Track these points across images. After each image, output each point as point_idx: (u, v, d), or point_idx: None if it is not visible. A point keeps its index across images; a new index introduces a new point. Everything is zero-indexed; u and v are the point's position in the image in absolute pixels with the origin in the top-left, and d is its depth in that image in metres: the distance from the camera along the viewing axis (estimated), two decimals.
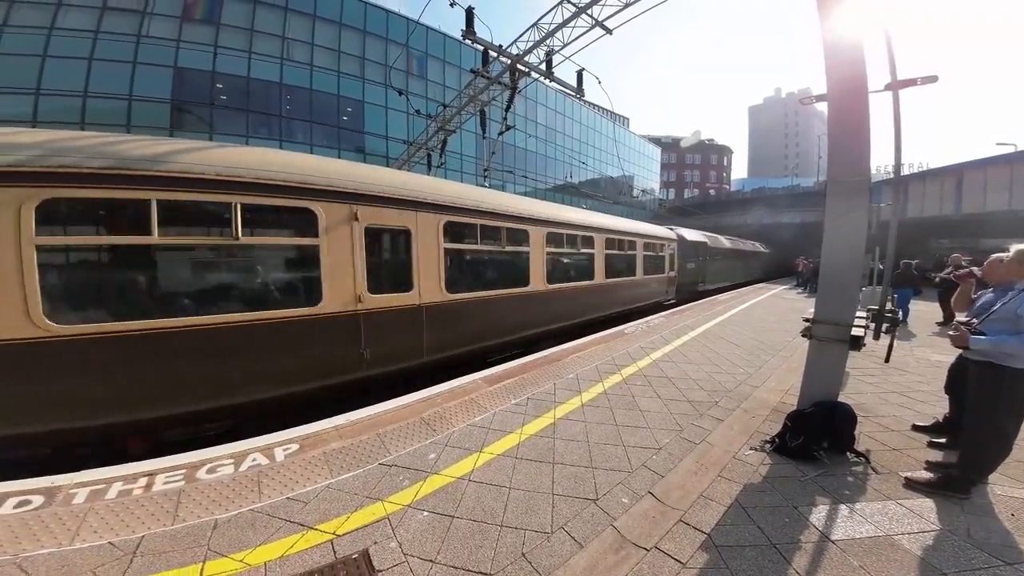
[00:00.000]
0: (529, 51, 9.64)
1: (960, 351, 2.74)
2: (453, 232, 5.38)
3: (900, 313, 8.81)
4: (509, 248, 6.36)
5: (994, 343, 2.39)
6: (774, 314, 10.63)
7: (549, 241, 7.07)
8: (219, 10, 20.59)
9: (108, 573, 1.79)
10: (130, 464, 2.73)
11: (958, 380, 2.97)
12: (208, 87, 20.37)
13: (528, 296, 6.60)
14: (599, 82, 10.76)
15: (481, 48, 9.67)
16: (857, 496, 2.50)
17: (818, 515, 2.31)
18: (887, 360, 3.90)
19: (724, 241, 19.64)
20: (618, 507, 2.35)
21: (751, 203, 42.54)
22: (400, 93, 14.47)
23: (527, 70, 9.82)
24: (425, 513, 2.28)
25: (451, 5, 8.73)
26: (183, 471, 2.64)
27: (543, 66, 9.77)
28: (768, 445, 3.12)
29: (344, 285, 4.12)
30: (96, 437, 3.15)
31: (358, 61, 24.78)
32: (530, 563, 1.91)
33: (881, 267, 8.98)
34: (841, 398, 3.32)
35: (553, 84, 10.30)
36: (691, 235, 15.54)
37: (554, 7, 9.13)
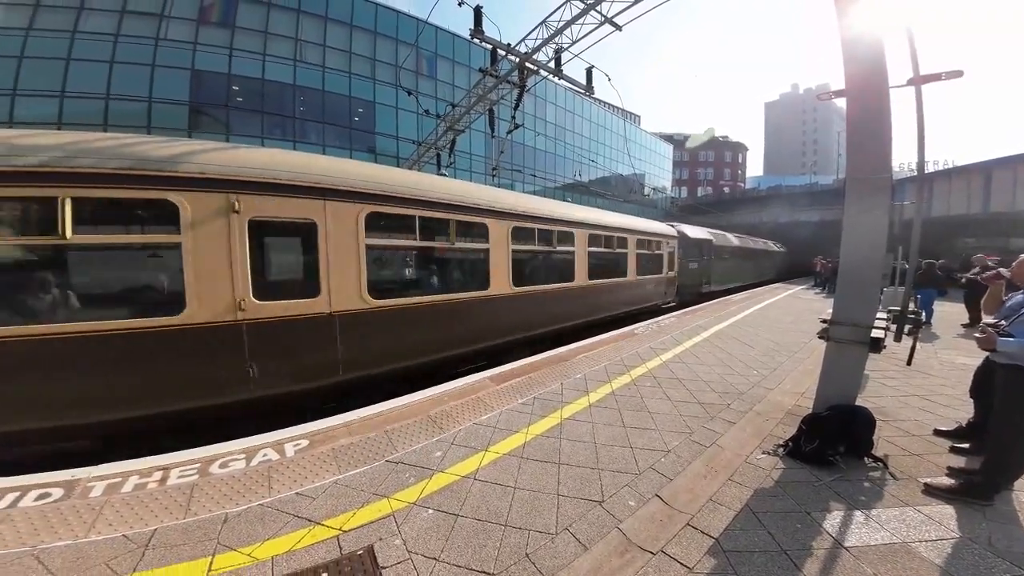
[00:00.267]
0: (538, 49, 9.59)
1: (987, 354, 2.65)
2: (381, 225, 4.56)
3: (923, 314, 8.60)
4: (461, 245, 5.48)
5: (1023, 345, 2.29)
6: (790, 315, 10.38)
7: (516, 237, 6.19)
8: (234, 12, 20.99)
9: (120, 566, 1.84)
10: (147, 458, 2.80)
11: (984, 384, 2.87)
12: (224, 89, 20.82)
13: (488, 301, 5.73)
14: (609, 79, 10.65)
15: (489, 47, 9.66)
16: (873, 502, 2.42)
17: (832, 521, 2.24)
18: (909, 363, 3.78)
19: (732, 239, 18.53)
20: (624, 509, 2.32)
21: (767, 201, 41.60)
22: (409, 93, 14.56)
23: (536, 68, 9.77)
24: (430, 511, 2.28)
25: (459, 4, 8.73)
26: (197, 465, 2.70)
27: (552, 64, 9.71)
28: (781, 449, 3.04)
29: (217, 290, 3.45)
30: None
31: (369, 62, 25.00)
32: (533, 564, 1.90)
33: (906, 266, 8.69)
34: (860, 401, 3.23)
35: (562, 82, 10.23)
36: (694, 232, 14.56)
37: (562, 4, 9.07)
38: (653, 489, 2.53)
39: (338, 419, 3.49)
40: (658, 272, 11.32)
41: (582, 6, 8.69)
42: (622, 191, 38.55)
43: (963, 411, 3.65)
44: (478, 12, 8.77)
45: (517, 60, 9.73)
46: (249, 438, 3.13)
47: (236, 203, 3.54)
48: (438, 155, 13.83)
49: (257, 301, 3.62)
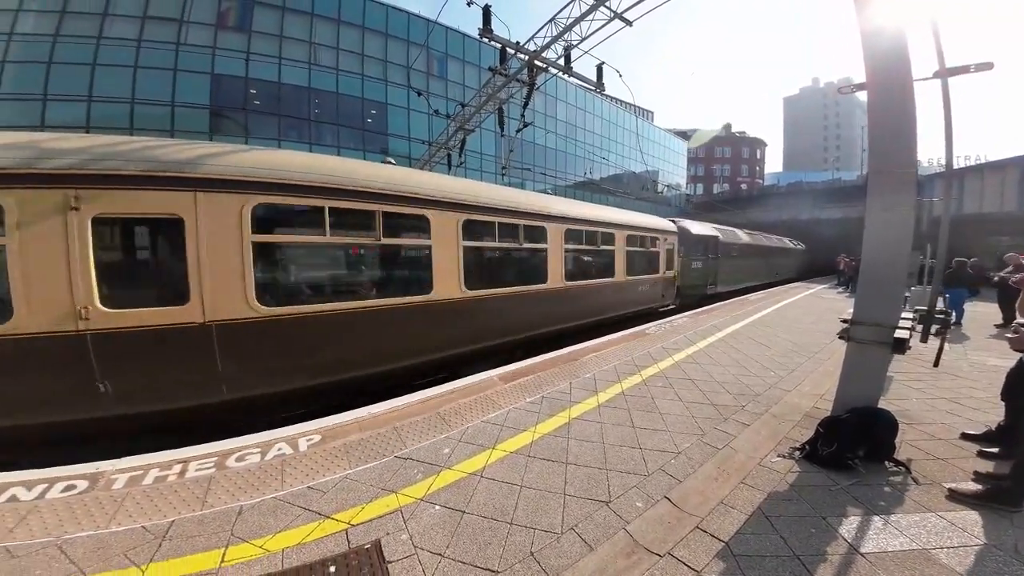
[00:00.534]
0: (547, 47, 9.54)
1: (1020, 355, 2.52)
2: (275, 220, 3.96)
3: (953, 315, 8.23)
4: (393, 241, 4.72)
5: None
6: (811, 314, 10.09)
7: (470, 232, 5.42)
8: (250, 17, 21.53)
9: (138, 556, 1.91)
10: (168, 451, 2.90)
11: (1017, 386, 2.75)
12: (242, 93, 21.38)
13: (430, 308, 4.95)
14: (620, 76, 10.51)
15: (499, 46, 9.65)
16: (893, 507, 2.34)
17: (848, 526, 2.17)
18: (936, 364, 3.65)
19: (742, 235, 17.33)
20: (632, 511, 2.29)
21: (787, 198, 40.49)
22: (420, 94, 14.67)
23: (545, 66, 9.72)
24: (437, 507, 2.30)
25: (468, 4, 8.76)
26: (215, 459, 2.78)
27: (561, 61, 9.64)
28: (797, 452, 2.97)
29: (52, 296, 3.07)
30: None
31: (381, 64, 25.31)
32: (538, 563, 1.89)
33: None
34: (882, 404, 3.13)
35: (572, 79, 10.16)
36: (697, 228, 13.46)
37: (571, 1, 8.99)
38: (662, 491, 2.49)
39: (350, 415, 3.55)
40: (653, 272, 10.24)
41: (591, 2, 8.61)
42: (635, 188, 38.02)
43: (993, 414, 3.49)
44: (487, 11, 8.78)
45: (526, 58, 9.70)
46: (265, 432, 3.21)
47: (76, 197, 3.12)
48: (448, 155, 13.92)
49: (105, 309, 3.18)
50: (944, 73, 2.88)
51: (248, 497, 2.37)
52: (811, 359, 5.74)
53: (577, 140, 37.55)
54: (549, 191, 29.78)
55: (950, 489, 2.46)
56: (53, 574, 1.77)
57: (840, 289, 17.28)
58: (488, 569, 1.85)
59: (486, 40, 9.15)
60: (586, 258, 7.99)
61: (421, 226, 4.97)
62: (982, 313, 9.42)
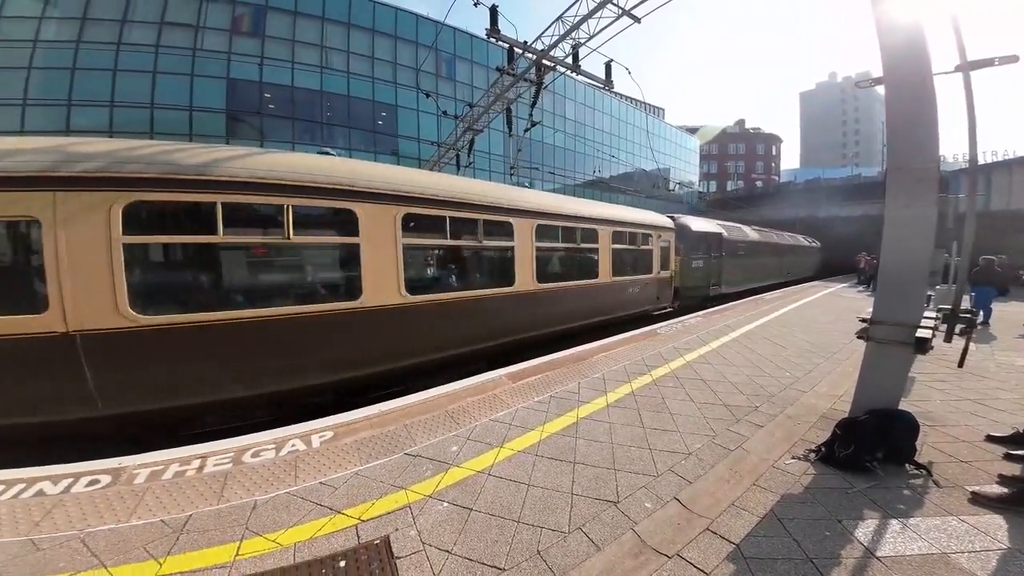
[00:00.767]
0: (554, 45, 9.51)
1: None
2: (155, 218, 3.54)
3: (980, 314, 7.93)
4: (305, 240, 4.15)
5: None
6: (829, 314, 9.84)
7: (411, 228, 4.79)
8: (263, 22, 21.97)
9: (156, 549, 1.96)
10: (188, 447, 2.99)
11: None
12: (257, 97, 21.85)
13: (358, 316, 4.35)
14: (629, 73, 10.42)
15: (506, 46, 9.66)
16: (912, 511, 2.28)
17: (864, 529, 2.12)
18: (960, 364, 3.51)
19: (749, 232, 16.09)
20: (640, 511, 2.27)
21: (804, 195, 39.52)
22: (428, 96, 14.77)
23: (553, 65, 9.69)
24: (445, 504, 2.32)
25: (475, 5, 8.79)
26: (231, 454, 2.86)
27: (569, 60, 9.60)
28: (813, 454, 2.91)
29: None
30: None
31: (390, 66, 25.59)
32: (545, 561, 1.89)
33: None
34: (903, 405, 3.04)
35: (580, 77, 10.10)
36: (699, 224, 12.42)
37: None
38: (672, 492, 2.46)
39: (361, 412, 3.60)
40: (646, 272, 9.34)
41: (598, 0, 8.55)
42: (646, 187, 37.63)
43: (1021, 416, 3.37)
44: (494, 12, 8.80)
45: (534, 57, 9.69)
46: (280, 429, 3.28)
47: None
48: (457, 155, 13.99)
49: None
50: (966, 67, 2.78)
51: (263, 492, 2.43)
52: (829, 359, 5.60)
53: (586, 139, 37.32)
54: (558, 190, 29.64)
55: (973, 492, 2.39)
56: (76, 566, 1.83)
57: (860, 288, 16.81)
58: (495, 566, 1.86)
59: (493, 40, 9.17)
60: (563, 257, 7.26)
61: (345, 222, 4.33)
62: (1011, 312, 9.06)
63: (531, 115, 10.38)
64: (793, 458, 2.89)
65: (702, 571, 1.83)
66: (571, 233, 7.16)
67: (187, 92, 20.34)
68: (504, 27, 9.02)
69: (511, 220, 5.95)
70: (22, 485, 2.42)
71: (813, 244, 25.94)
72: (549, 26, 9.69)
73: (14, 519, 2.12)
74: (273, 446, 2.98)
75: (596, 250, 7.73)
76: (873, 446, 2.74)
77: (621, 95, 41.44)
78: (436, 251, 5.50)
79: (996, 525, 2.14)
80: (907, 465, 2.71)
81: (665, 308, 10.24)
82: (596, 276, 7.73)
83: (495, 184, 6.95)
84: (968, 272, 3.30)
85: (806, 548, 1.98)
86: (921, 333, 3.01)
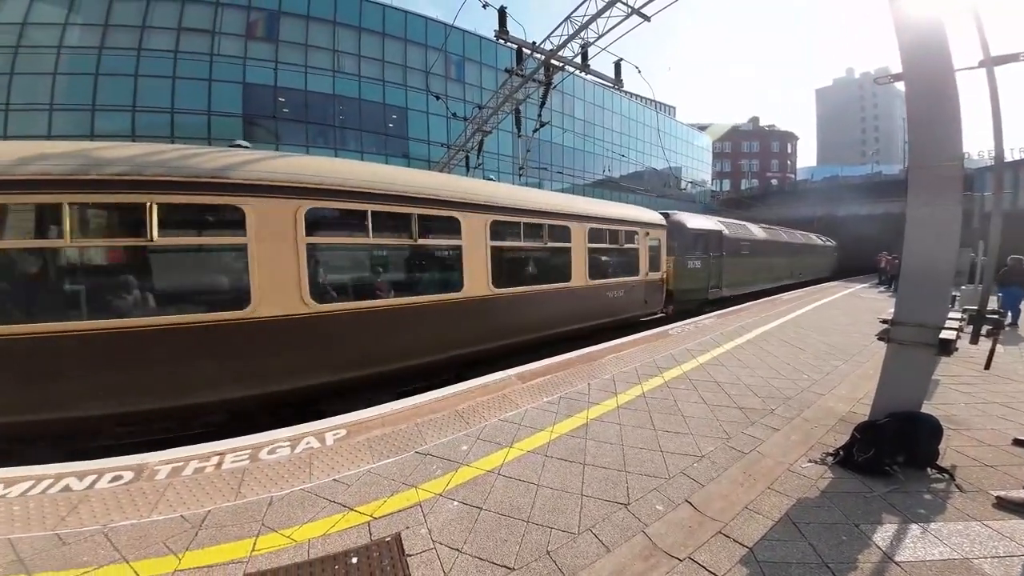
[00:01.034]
0: (563, 45, 9.49)
1: None
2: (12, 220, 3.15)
3: (1008, 315, 7.63)
4: (172, 242, 3.63)
5: None
6: (849, 315, 9.59)
7: (321, 225, 4.23)
8: (277, 26, 22.44)
9: (176, 544, 2.02)
10: (207, 443, 3.06)
11: None
12: (272, 101, 22.31)
13: (244, 328, 3.69)
14: (639, 71, 10.34)
15: (515, 47, 9.68)
16: (933, 515, 2.22)
17: (883, 534, 2.07)
18: (987, 366, 3.39)
19: (755, 230, 15.04)
20: (651, 513, 2.26)
21: (821, 193, 38.58)
22: (438, 98, 14.88)
23: (561, 65, 9.67)
24: (455, 503, 2.34)
25: (484, 7, 8.84)
26: (249, 451, 2.92)
27: (578, 59, 9.57)
28: (831, 458, 2.85)
29: None
30: None
31: (401, 69, 25.89)
32: (554, 562, 1.89)
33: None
34: (926, 408, 2.97)
35: (590, 77, 10.06)
36: (696, 221, 11.37)
37: None
38: (683, 494, 2.44)
39: (374, 411, 3.65)
40: (631, 274, 8.38)
41: None
42: (656, 186, 37.25)
43: None
44: (502, 13, 8.83)
45: (543, 58, 9.69)
46: (295, 427, 3.35)
47: None
48: (467, 157, 14.07)
49: None
50: (989, 62, 2.70)
51: (278, 488, 2.48)
52: (848, 361, 5.47)
53: (595, 138, 37.15)
54: (567, 190, 29.53)
55: (998, 497, 2.32)
56: (98, 560, 1.89)
57: (881, 288, 16.33)
58: (504, 566, 1.87)
59: (502, 42, 9.20)
60: (527, 258, 6.53)
61: (230, 221, 3.76)
62: None
63: (540, 115, 10.38)
64: (810, 462, 2.83)
65: (714, 575, 1.81)
66: (536, 230, 6.34)
67: (205, 96, 20.89)
68: (512, 28, 9.06)
69: (458, 216, 5.20)
70: (50, 480, 2.51)
71: (828, 243, 24.93)
72: (558, 26, 9.68)
73: (42, 514, 2.20)
74: (289, 443, 3.04)
75: (568, 250, 6.85)
76: (894, 450, 2.67)
77: (631, 94, 41.11)
78: (354, 251, 4.77)
79: (1022, 530, 2.07)
80: (929, 469, 2.64)
81: (656, 314, 9.31)
82: (568, 279, 6.84)
83: (439, 175, 6.00)
84: (995, 272, 3.19)
85: (822, 553, 1.94)
86: (945, 335, 2.92)
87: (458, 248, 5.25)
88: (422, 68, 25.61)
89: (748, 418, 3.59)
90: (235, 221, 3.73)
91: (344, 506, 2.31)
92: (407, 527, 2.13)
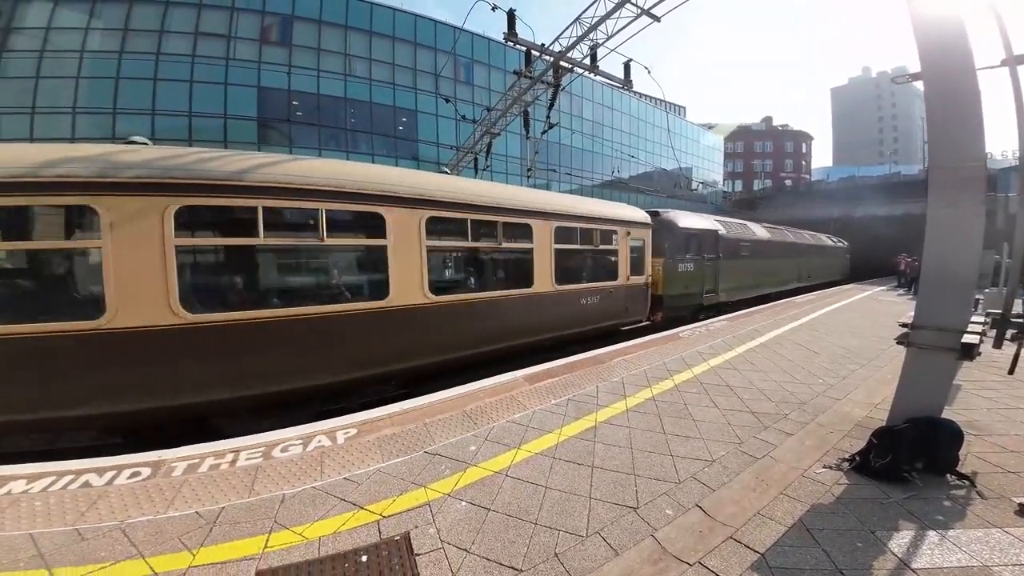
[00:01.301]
0: (572, 47, 9.49)
1: None
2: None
3: None
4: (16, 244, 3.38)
5: None
6: (866, 318, 9.38)
7: (199, 225, 3.88)
8: (290, 31, 22.84)
9: (191, 540, 2.05)
10: (223, 441, 3.13)
11: None
12: (286, 104, 22.71)
13: (102, 339, 3.29)
14: (648, 72, 10.28)
15: (524, 49, 9.71)
16: (952, 522, 2.16)
17: (899, 541, 2.02)
18: (1011, 371, 3.28)
19: (756, 230, 13.96)
20: (660, 518, 2.23)
21: (837, 193, 37.73)
22: (447, 101, 14.98)
23: (570, 66, 9.67)
24: (463, 503, 2.35)
25: (492, 9, 8.89)
26: (262, 449, 2.97)
27: (587, 61, 9.55)
28: (847, 463, 2.79)
29: None
30: None
31: (411, 72, 26.15)
32: (562, 564, 1.89)
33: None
34: (947, 414, 2.89)
35: (598, 78, 10.03)
36: (689, 220, 10.37)
37: (595, 0, 8.89)
38: (694, 499, 2.41)
39: (383, 410, 3.69)
40: (609, 278, 7.51)
41: (616, 0, 8.47)
42: (666, 187, 36.92)
43: None
44: (511, 16, 8.87)
45: (551, 60, 9.70)
46: (307, 425, 3.41)
47: None
48: (475, 159, 14.14)
49: None
50: (1012, 61, 2.63)
51: (290, 486, 2.52)
52: (865, 366, 5.34)
53: (604, 139, 36.99)
54: (576, 191, 29.43)
55: (1020, 504, 2.25)
56: (116, 556, 1.93)
57: (901, 291, 15.91)
58: (512, 567, 1.87)
59: (511, 44, 9.23)
60: (476, 260, 5.88)
61: (79, 221, 3.49)
62: None
63: (548, 117, 10.38)
64: (824, 467, 2.78)
65: None
66: (488, 228, 5.58)
67: (221, 100, 21.35)
68: (521, 30, 9.08)
69: (382, 210, 4.52)
70: (71, 476, 2.58)
71: (839, 244, 23.92)
72: (567, 28, 9.69)
73: (62, 509, 2.26)
74: (301, 442, 3.09)
75: (530, 251, 6.04)
76: (912, 456, 2.61)
77: (640, 94, 40.88)
78: (250, 253, 4.22)
79: None
80: (948, 476, 2.58)
81: (640, 322, 8.41)
82: (530, 285, 6.02)
83: (358, 164, 5.01)
84: (1020, 274, 3.10)
85: (836, 559, 1.90)
86: (968, 339, 2.84)
87: (382, 249, 4.55)
88: (432, 71, 25.84)
89: (761, 423, 3.53)
90: (88, 223, 3.45)
91: (354, 504, 2.34)
92: (416, 526, 2.15)
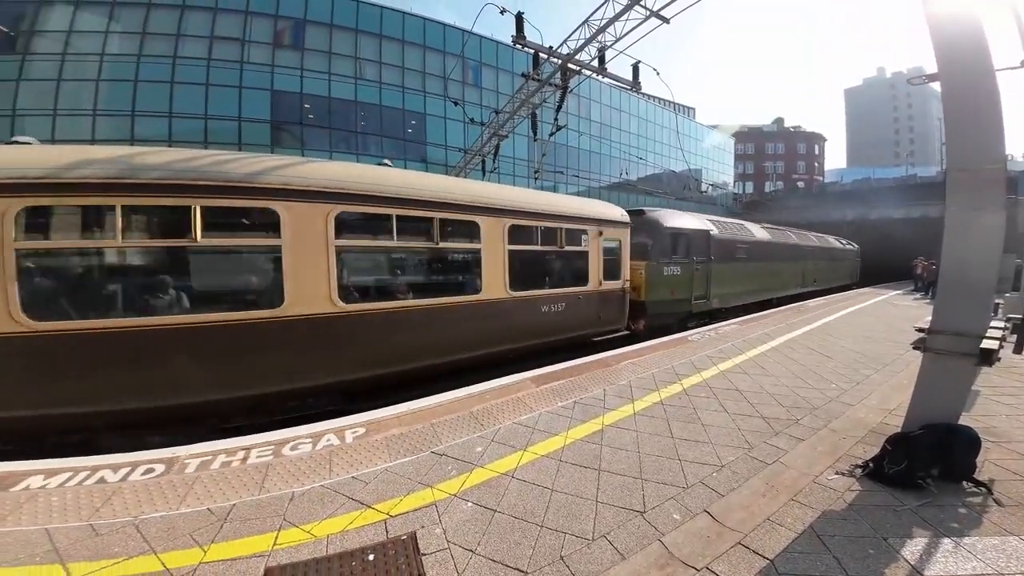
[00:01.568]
0: (580, 49, 9.47)
1: None
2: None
3: None
4: None
5: None
6: (881, 322, 9.19)
7: (33, 226, 3.33)
8: (303, 34, 23.21)
9: (202, 536, 2.08)
10: (234, 438, 3.18)
11: None
12: (298, 107, 23.07)
13: None
14: (657, 73, 10.22)
15: (532, 51, 9.73)
16: (968, 530, 2.12)
17: (912, 548, 1.99)
18: None
19: (754, 230, 12.90)
20: (668, 522, 2.22)
21: (851, 195, 36.99)
22: (456, 103, 15.06)
23: (578, 69, 9.66)
24: (469, 504, 2.36)
25: (501, 13, 8.94)
26: (272, 447, 3.01)
27: (595, 63, 9.54)
28: (859, 470, 2.75)
29: None
30: None
31: (419, 75, 26.38)
32: (568, 567, 1.88)
33: None
34: (964, 420, 2.84)
35: (607, 80, 10.00)
36: (676, 219, 9.42)
37: (604, 2, 8.87)
38: (702, 504, 2.38)
39: (391, 410, 3.72)
40: (577, 283, 6.72)
41: (625, 2, 8.45)
42: (676, 188, 36.63)
43: None
44: (519, 19, 8.90)
45: (559, 62, 9.71)
46: (316, 424, 3.45)
47: None
48: (483, 161, 14.20)
49: None
50: None
51: (300, 484, 2.55)
52: (880, 371, 5.24)
53: (612, 141, 36.88)
54: (583, 193, 29.36)
55: None
56: (128, 552, 1.96)
57: (918, 295, 15.56)
58: (518, 569, 1.87)
59: (519, 47, 9.27)
60: (407, 263, 5.26)
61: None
62: None
63: (556, 119, 10.37)
64: (837, 473, 2.73)
65: None
66: (421, 226, 4.89)
67: (236, 103, 21.76)
68: (529, 33, 9.12)
69: (277, 206, 3.93)
70: (87, 472, 2.62)
71: (848, 246, 22.97)
72: (575, 30, 9.68)
73: (78, 505, 2.31)
74: (310, 440, 3.12)
75: (477, 252, 5.31)
76: (928, 462, 2.57)
77: (648, 95, 40.67)
78: (95, 256, 3.71)
79: None
80: (965, 483, 2.53)
81: (616, 331, 7.55)
82: (478, 290, 5.29)
83: (254, 156, 4.40)
84: None
85: (847, 566, 1.87)
86: (987, 344, 2.78)
87: (277, 249, 3.96)
88: (440, 74, 26.07)
89: (772, 428, 3.48)
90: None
91: (362, 503, 2.36)
92: (422, 526, 2.16)
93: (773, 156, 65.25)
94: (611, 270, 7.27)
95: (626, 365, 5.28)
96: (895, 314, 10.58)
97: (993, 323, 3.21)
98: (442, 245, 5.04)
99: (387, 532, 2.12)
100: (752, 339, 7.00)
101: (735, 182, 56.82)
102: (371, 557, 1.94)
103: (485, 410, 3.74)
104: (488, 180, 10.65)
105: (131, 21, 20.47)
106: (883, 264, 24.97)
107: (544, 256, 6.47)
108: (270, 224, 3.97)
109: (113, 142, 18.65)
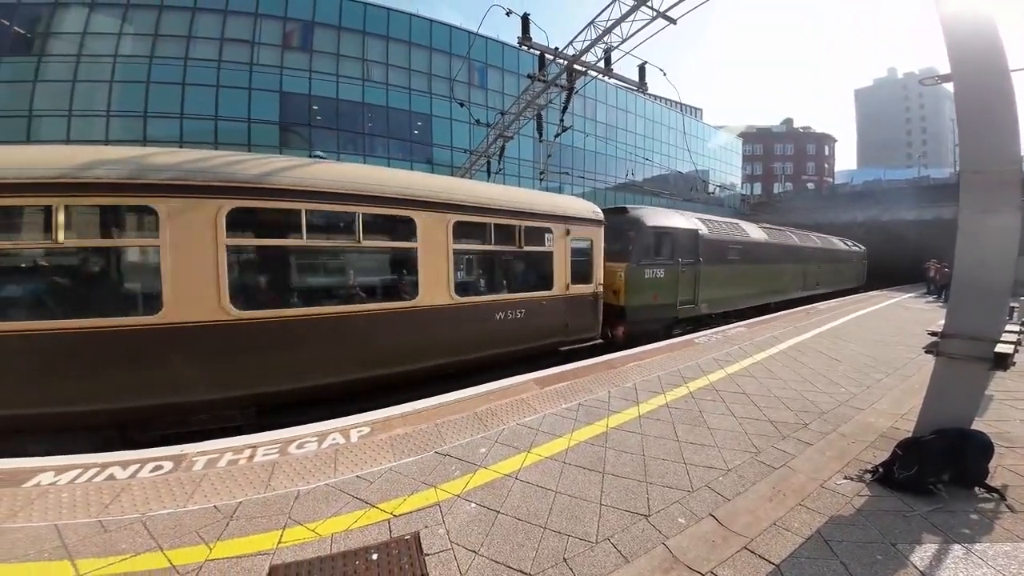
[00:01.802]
0: (586, 50, 9.45)
1: None
2: None
3: None
4: None
5: None
6: (893, 326, 9.04)
7: None
8: (311, 36, 23.43)
9: (208, 534, 2.10)
10: (241, 437, 3.22)
11: None
12: (306, 109, 23.29)
13: None
14: (664, 74, 10.18)
15: (538, 53, 9.74)
16: (979, 536, 2.08)
17: (921, 554, 1.95)
18: None
19: (749, 230, 12.03)
20: (672, 526, 2.20)
21: (862, 197, 36.46)
22: (462, 105, 15.11)
23: (584, 70, 9.64)
24: (473, 505, 2.36)
25: (507, 14, 8.96)
26: (279, 445, 3.04)
27: (601, 64, 9.52)
28: (869, 475, 2.71)
29: None
30: None
31: (426, 77, 26.51)
32: (571, 570, 1.88)
33: None
34: (977, 425, 2.78)
35: (613, 81, 9.98)
36: (659, 218, 8.65)
37: (610, 3, 8.85)
38: (707, 508, 2.36)
39: (396, 410, 3.73)
40: (540, 287, 6.06)
41: (632, 3, 8.42)
42: (682, 190, 36.42)
43: None
44: (525, 20, 8.91)
45: (565, 63, 9.71)
46: (322, 423, 3.47)
47: None
48: (488, 162, 14.23)
49: None
50: None
51: (305, 483, 2.57)
52: (892, 375, 5.15)
53: (618, 141, 36.76)
54: (589, 194, 29.28)
55: None
56: (136, 548, 1.98)
57: (930, 298, 15.29)
58: (521, 571, 1.87)
59: (525, 48, 9.28)
60: (322, 264, 4.85)
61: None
62: None
63: (562, 120, 10.36)
64: (845, 479, 2.69)
65: None
66: (341, 222, 4.40)
67: (245, 105, 22.01)
68: (535, 34, 9.13)
69: (155, 203, 3.48)
70: (96, 469, 2.66)
71: (855, 248, 22.05)
72: (581, 31, 9.67)
73: (87, 502, 2.34)
74: (316, 439, 3.15)
75: (413, 251, 4.70)
76: (939, 468, 2.52)
77: (655, 96, 40.50)
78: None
79: None
80: (977, 489, 2.48)
81: (590, 340, 6.86)
82: (415, 295, 4.69)
83: (117, 149, 3.77)
84: None
85: (854, 572, 1.85)
86: (1002, 348, 2.72)
87: (154, 247, 3.53)
88: (447, 76, 26.17)
89: (779, 432, 3.44)
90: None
91: (366, 503, 2.37)
92: (426, 526, 2.16)
93: (782, 157, 64.58)
94: (581, 273, 6.58)
95: (631, 368, 5.25)
96: (907, 317, 10.40)
97: (1008, 327, 3.15)
98: (366, 243, 4.48)
99: (391, 532, 2.12)
100: (760, 342, 6.93)
101: (743, 183, 56.36)
102: (375, 556, 1.95)
103: (489, 411, 3.74)
104: (494, 181, 10.65)
105: (143, 23, 20.81)
106: (895, 266, 24.53)
107: (499, 257, 5.85)
108: (152, 223, 3.58)
109: (126, 143, 18.93)
